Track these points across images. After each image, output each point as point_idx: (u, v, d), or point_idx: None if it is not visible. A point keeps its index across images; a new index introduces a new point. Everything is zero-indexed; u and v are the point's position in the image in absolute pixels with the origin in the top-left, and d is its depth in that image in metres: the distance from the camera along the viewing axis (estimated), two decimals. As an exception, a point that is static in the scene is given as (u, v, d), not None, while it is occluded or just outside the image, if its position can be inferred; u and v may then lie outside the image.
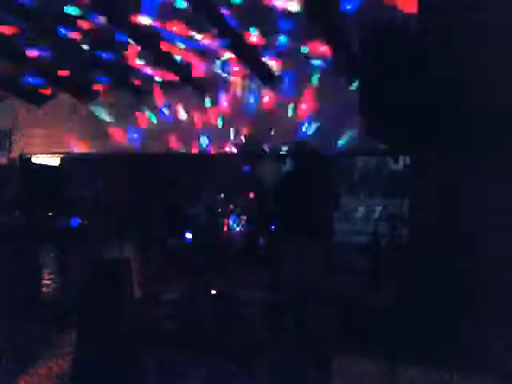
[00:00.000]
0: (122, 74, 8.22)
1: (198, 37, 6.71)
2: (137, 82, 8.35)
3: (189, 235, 8.09)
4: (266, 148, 7.61)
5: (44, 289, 6.18)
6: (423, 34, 3.47)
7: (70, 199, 8.79)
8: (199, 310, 5.01)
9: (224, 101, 8.04)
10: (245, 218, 8.25)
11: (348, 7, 5.68)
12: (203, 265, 6.52)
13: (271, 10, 5.91)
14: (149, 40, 6.94)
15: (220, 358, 4.03)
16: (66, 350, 4.09)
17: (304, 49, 6.79)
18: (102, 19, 6.46)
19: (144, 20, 6.50)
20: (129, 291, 3.89)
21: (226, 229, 8.24)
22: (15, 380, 3.61)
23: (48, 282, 6.46)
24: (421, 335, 3.88)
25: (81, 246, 6.85)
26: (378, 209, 8.38)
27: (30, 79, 8.52)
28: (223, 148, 8.02)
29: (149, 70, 7.96)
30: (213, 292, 5.26)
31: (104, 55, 7.60)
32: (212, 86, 8.03)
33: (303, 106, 7.48)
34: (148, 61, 7.62)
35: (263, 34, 6.56)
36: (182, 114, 8.33)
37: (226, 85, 8.00)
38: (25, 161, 9.32)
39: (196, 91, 8.12)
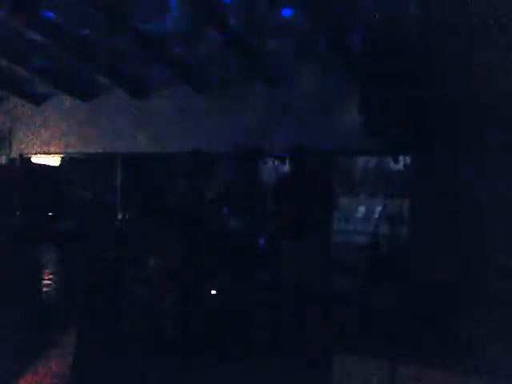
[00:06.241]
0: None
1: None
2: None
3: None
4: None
5: (44, 288, 6.18)
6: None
7: (70, 199, 8.79)
8: (199, 310, 5.00)
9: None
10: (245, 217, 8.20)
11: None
12: (203, 264, 6.50)
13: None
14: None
15: (219, 358, 4.03)
16: (66, 350, 4.08)
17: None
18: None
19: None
20: (129, 291, 3.89)
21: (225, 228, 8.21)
22: (15, 380, 3.61)
23: (48, 281, 6.46)
24: (420, 335, 3.88)
25: (82, 245, 6.84)
26: (378, 209, 8.37)
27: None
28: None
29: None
30: (213, 292, 5.25)
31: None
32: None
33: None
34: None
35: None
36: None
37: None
38: (25, 161, 9.32)
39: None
